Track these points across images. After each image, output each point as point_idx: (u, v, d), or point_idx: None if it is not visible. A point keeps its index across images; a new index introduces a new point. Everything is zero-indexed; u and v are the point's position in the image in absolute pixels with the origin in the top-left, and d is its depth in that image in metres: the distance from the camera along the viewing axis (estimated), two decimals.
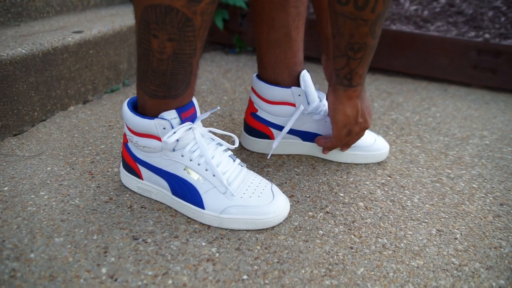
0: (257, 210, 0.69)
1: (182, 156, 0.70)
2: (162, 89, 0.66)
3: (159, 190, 0.74)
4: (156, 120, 0.67)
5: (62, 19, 1.23)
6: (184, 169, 0.70)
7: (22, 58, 0.93)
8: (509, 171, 0.91)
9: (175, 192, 0.72)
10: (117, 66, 1.23)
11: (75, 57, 1.07)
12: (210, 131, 0.73)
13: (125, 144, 0.76)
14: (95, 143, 0.94)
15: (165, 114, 0.67)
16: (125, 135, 0.75)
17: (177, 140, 0.69)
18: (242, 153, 0.93)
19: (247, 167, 0.76)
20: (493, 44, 1.33)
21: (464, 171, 0.90)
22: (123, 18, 1.28)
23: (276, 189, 0.73)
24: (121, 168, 0.79)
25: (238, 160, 0.74)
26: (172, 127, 0.68)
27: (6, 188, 0.76)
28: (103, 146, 0.93)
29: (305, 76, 0.84)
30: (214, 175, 0.69)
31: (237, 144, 0.73)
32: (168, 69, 0.64)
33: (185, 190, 0.71)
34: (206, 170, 0.70)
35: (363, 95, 0.81)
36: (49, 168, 0.83)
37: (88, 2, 1.37)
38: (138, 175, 0.76)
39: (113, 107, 1.12)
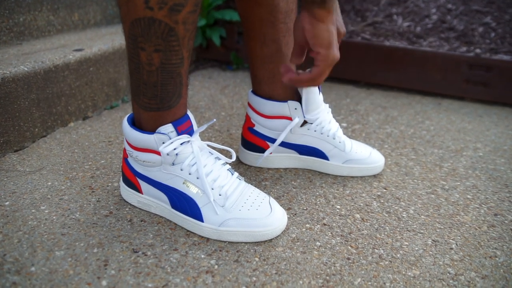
0: (255, 223, 0.70)
1: (181, 170, 0.71)
2: (155, 101, 0.68)
3: (158, 203, 0.75)
4: (155, 135, 0.69)
5: (63, 37, 1.25)
6: (183, 183, 0.72)
7: (24, 76, 0.95)
8: (503, 182, 0.92)
9: (174, 205, 0.73)
10: (117, 83, 1.25)
11: (75, 74, 1.09)
12: (208, 145, 0.75)
13: (125, 159, 0.77)
14: (95, 158, 0.95)
15: (162, 129, 0.69)
16: (125, 150, 0.77)
17: (176, 154, 0.70)
18: (240, 167, 0.94)
19: (245, 180, 0.78)
20: (484, 59, 1.36)
21: (458, 183, 0.92)
22: (123, 37, 1.29)
23: (273, 202, 0.74)
24: (121, 183, 0.80)
25: (236, 174, 0.75)
26: None
27: (7, 203, 0.77)
28: (102, 161, 0.94)
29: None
30: (213, 188, 0.71)
31: (234, 158, 0.75)
32: (158, 81, 0.66)
33: (184, 203, 0.72)
34: None
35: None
36: (49, 183, 0.85)
37: (88, 21, 1.39)
38: (138, 189, 0.77)
39: (112, 123, 1.14)
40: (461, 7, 1.65)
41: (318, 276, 0.65)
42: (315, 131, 0.89)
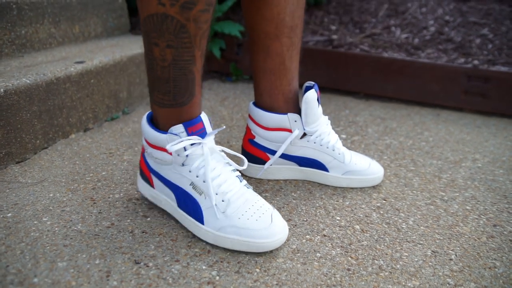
0: (251, 233, 0.70)
1: (190, 171, 0.73)
2: (168, 97, 0.71)
3: (167, 200, 0.78)
4: (168, 135, 0.72)
5: (65, 50, 1.27)
6: (190, 184, 0.73)
7: (26, 88, 0.96)
8: (501, 193, 0.93)
9: (180, 204, 0.75)
10: (117, 95, 1.26)
11: (76, 86, 1.10)
12: (221, 151, 0.76)
13: (143, 153, 0.81)
14: (96, 170, 0.96)
15: (173, 129, 0.72)
16: (143, 145, 0.80)
17: (187, 156, 0.72)
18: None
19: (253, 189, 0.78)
20: (482, 70, 1.37)
21: (457, 194, 0.93)
22: (123, 49, 1.32)
23: (276, 215, 0.74)
24: (138, 176, 0.83)
25: (244, 182, 0.76)
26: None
27: (9, 215, 0.78)
28: (104, 173, 0.95)
29: (308, 97, 0.84)
30: (217, 193, 0.72)
31: (245, 166, 0.76)
32: (171, 77, 0.68)
33: (189, 204, 0.73)
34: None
35: None
36: (51, 195, 0.85)
37: (89, 33, 1.41)
38: (150, 184, 0.80)
39: (113, 135, 1.14)
40: (459, 19, 1.67)
41: (319, 287, 0.65)
42: (314, 143, 0.90)
